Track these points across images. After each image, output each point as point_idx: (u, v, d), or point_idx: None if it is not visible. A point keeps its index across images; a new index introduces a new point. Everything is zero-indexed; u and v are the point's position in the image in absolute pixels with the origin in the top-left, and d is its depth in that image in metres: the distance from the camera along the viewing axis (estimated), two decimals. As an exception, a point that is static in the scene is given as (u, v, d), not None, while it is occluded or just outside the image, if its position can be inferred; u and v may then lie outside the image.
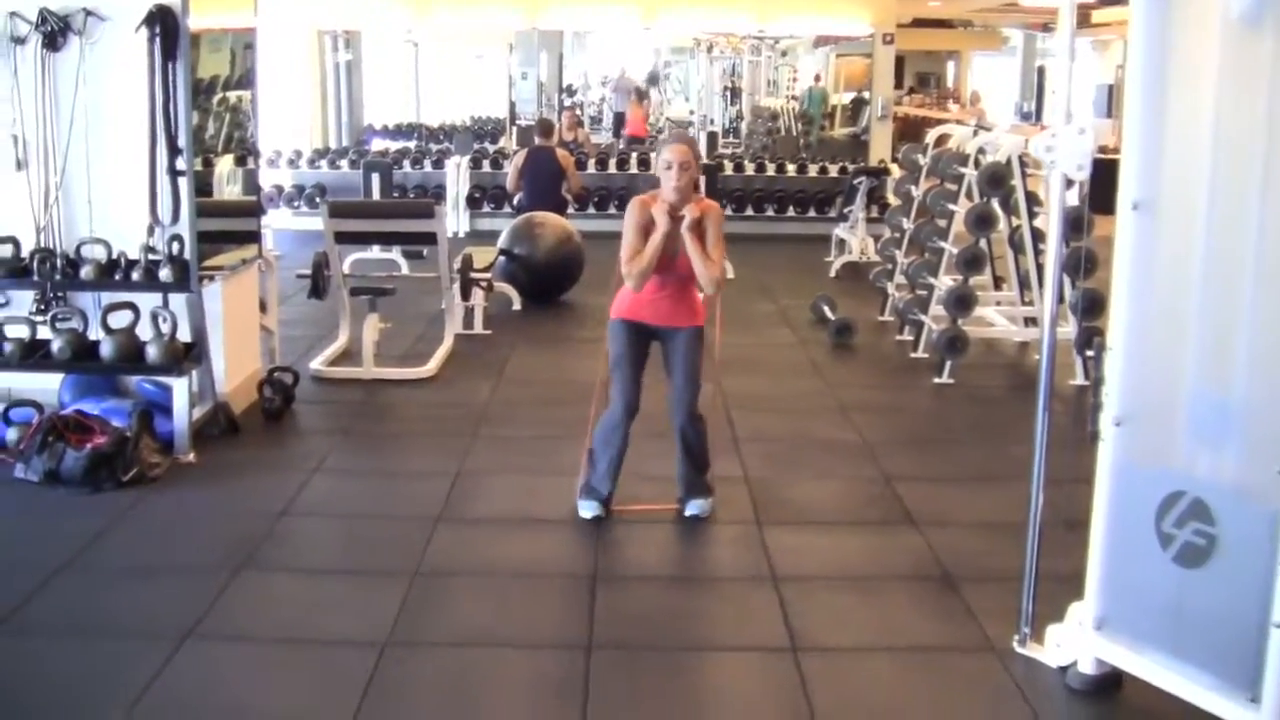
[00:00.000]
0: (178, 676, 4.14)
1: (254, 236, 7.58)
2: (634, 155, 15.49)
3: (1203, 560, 3.73)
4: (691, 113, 23.67)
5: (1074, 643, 4.16)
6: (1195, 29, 3.73)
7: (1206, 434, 3.78)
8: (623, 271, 5.43)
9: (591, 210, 14.36)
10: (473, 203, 14.89)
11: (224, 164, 7.18)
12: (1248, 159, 3.57)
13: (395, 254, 11.47)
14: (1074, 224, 6.23)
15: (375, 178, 12.46)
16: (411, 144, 17.51)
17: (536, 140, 12.46)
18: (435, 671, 4.26)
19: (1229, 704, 3.65)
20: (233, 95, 7.28)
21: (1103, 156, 4.13)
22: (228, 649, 4.38)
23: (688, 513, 5.65)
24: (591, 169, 14.98)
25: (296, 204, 14.74)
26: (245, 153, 7.48)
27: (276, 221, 13.46)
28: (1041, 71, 28.96)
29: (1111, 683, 4.10)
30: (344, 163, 15.15)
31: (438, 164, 15.22)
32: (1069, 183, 4.21)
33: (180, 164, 6.43)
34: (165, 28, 6.32)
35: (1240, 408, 3.65)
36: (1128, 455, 3.96)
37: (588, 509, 5.60)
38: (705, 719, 4.07)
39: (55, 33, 6.46)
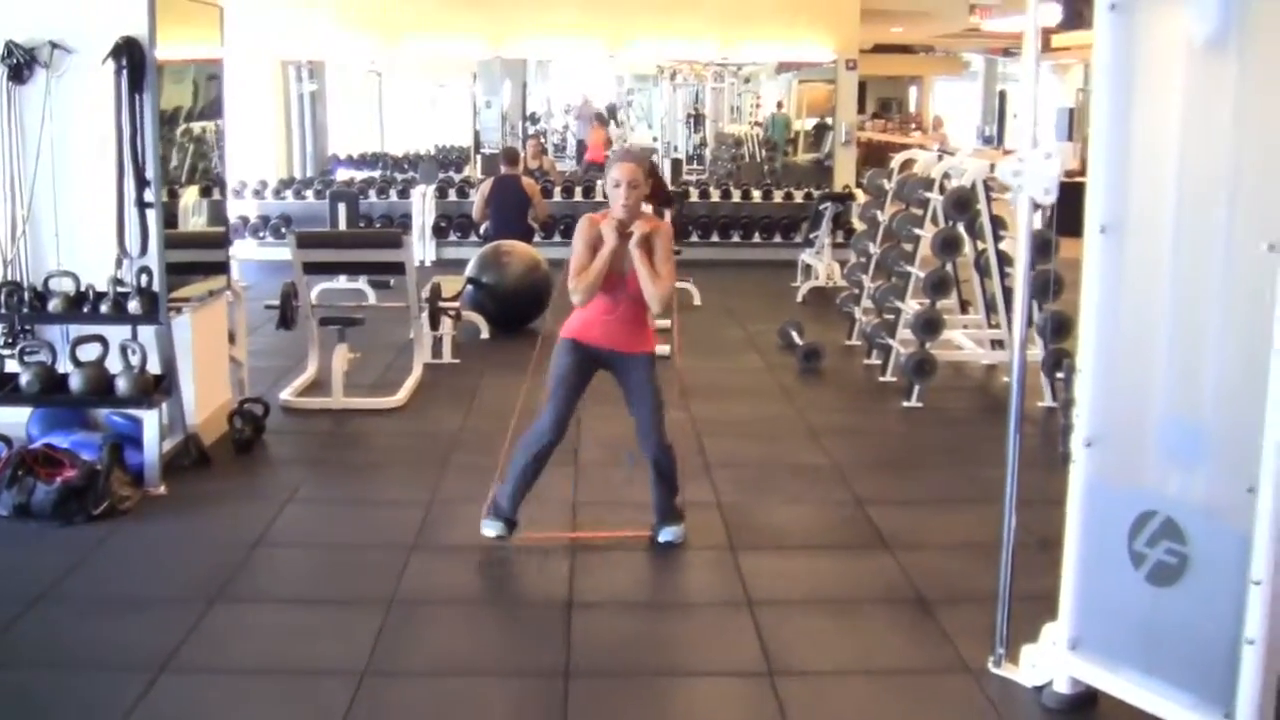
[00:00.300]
0: (156, 708, 4.12)
1: (222, 267, 7.57)
2: (599, 183, 15.50)
3: (1175, 579, 3.77)
4: (655, 139, 23.70)
5: (1049, 662, 4.20)
6: (1160, 53, 3.79)
7: (1177, 454, 3.82)
8: (570, 285, 5.41)
9: (558, 238, 14.37)
10: (439, 232, 14.91)
11: (189, 195, 7.16)
12: (1213, 182, 3.62)
13: (362, 284, 11.45)
14: (1039, 247, 6.31)
15: (342, 208, 12.45)
16: (376, 173, 17.50)
17: (502, 169, 12.49)
18: (414, 700, 4.26)
19: (1204, 721, 3.69)
20: (196, 126, 7.28)
21: (1064, 180, 4.17)
22: (205, 680, 4.36)
23: (661, 539, 5.65)
24: (558, 196, 15.01)
25: (262, 235, 14.72)
26: (209, 184, 7.47)
27: (242, 252, 13.41)
28: (1003, 96, 29.19)
29: (1087, 702, 4.14)
30: (309, 193, 15.13)
31: (403, 193, 15.23)
32: (1034, 206, 4.26)
33: (148, 196, 6.42)
34: (132, 60, 6.31)
35: (1210, 428, 3.70)
36: (1099, 476, 4.00)
37: (492, 528, 5.54)
38: (684, 744, 4.09)
39: (21, 65, 6.43)
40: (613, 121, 23.25)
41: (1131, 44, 3.84)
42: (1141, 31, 3.82)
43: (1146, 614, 3.86)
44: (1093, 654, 4.05)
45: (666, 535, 5.65)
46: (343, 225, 12.22)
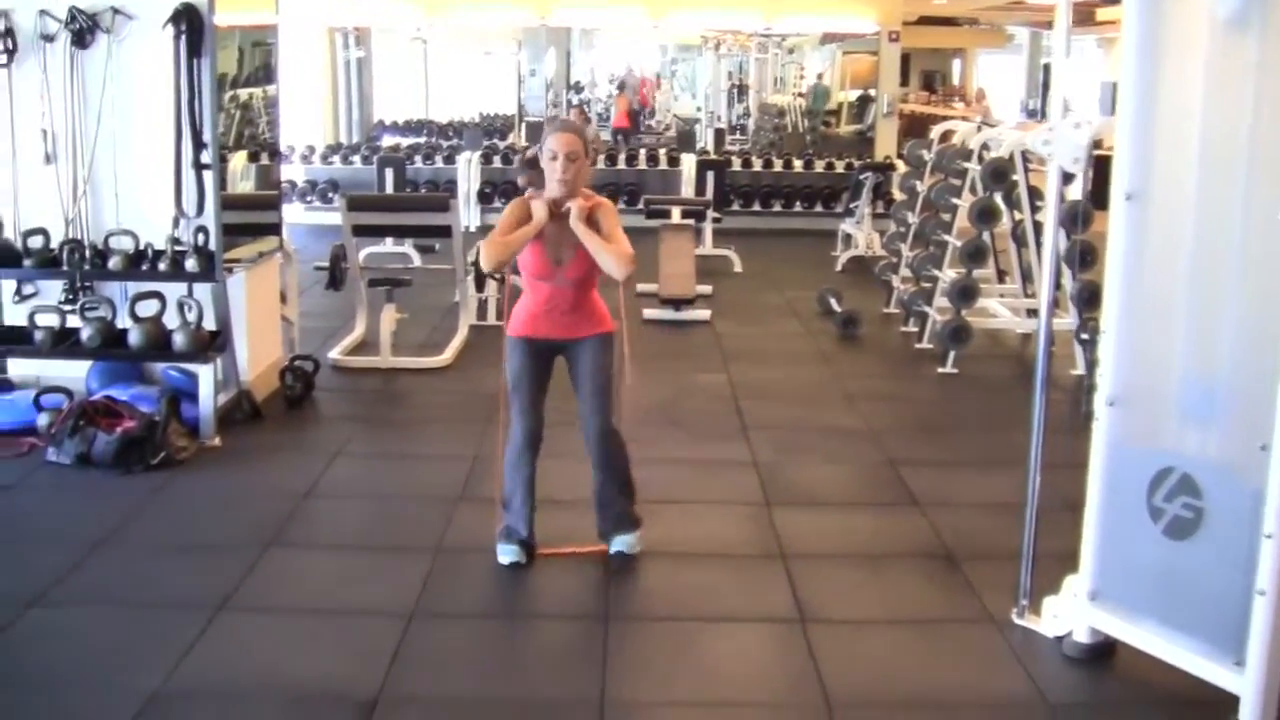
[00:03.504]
0: (213, 645, 4.33)
1: (275, 229, 7.77)
2: (643, 151, 15.64)
3: (1191, 532, 3.92)
4: (698, 109, 23.79)
5: (1069, 613, 4.35)
6: (1185, 29, 3.92)
7: (1194, 413, 3.96)
8: (482, 246, 4.89)
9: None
10: (483, 198, 15.05)
11: (242, 159, 7.36)
12: (1233, 152, 3.75)
13: (408, 247, 11.65)
14: (1074, 217, 6.43)
15: (389, 172, 12.66)
16: (421, 140, 17.67)
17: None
18: (460, 640, 4.46)
19: (1216, 668, 3.83)
20: (250, 91, 7.48)
21: (1105, 153, 4.27)
22: (260, 620, 4.57)
23: (613, 549, 5.13)
24: (601, 164, 15.10)
25: (309, 199, 14.92)
26: (262, 148, 7.66)
27: (289, 216, 13.57)
28: (1047, 69, 29.06)
29: (1105, 651, 4.29)
30: (356, 158, 15.30)
31: (449, 159, 15.38)
32: (1068, 177, 4.39)
33: (205, 158, 6.61)
34: (191, 25, 6.50)
35: (1225, 388, 3.84)
36: (1120, 434, 4.15)
37: (507, 554, 5.05)
38: (718, 682, 4.24)
39: (84, 30, 6.64)
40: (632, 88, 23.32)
41: (1159, 19, 3.97)
42: (1168, 7, 3.95)
43: (1163, 566, 4.01)
44: (1112, 605, 4.20)
45: (619, 545, 5.13)
46: (390, 190, 12.44)
